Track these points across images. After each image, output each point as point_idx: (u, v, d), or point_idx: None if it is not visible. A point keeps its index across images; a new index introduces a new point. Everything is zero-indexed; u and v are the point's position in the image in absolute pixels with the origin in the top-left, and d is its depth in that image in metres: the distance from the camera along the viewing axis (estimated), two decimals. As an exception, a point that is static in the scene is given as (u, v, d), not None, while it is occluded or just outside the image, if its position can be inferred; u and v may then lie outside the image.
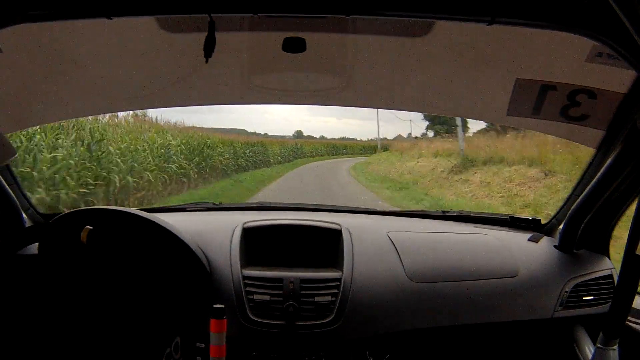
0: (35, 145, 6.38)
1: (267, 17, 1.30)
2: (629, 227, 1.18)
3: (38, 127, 6.10)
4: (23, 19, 1.13)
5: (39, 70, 1.53)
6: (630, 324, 1.56)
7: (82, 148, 7.21)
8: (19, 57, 1.42)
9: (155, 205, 2.43)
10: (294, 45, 1.45)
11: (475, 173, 10.38)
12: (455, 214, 2.03)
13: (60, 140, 6.89)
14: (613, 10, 0.81)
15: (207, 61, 1.22)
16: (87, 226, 1.48)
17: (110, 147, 7.83)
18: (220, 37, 1.22)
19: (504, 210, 7.90)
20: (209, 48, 1.22)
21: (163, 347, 1.53)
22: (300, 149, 20.93)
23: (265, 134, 18.84)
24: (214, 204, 2.10)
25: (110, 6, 1.11)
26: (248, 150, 14.93)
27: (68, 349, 1.57)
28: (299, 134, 23.00)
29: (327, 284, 1.54)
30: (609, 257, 1.72)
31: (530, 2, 1.08)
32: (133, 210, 1.59)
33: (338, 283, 1.54)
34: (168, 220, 1.58)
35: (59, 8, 1.12)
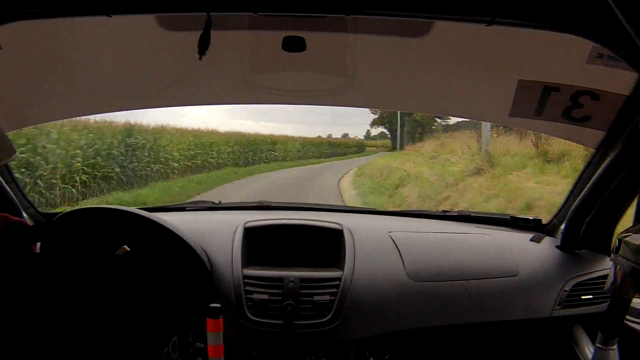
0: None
1: (266, 16, 1.30)
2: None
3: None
4: (22, 16, 1.13)
5: (39, 68, 1.53)
6: (629, 323, 1.56)
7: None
8: (18, 54, 1.42)
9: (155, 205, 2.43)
10: (294, 45, 1.45)
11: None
12: (456, 214, 2.03)
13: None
14: (612, 12, 0.80)
15: (200, 58, 1.21)
16: (125, 246, 1.49)
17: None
18: (219, 36, 1.21)
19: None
20: (203, 46, 1.21)
21: (162, 346, 1.53)
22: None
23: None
24: (214, 203, 2.10)
25: (110, 4, 1.11)
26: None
27: (68, 348, 1.57)
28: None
29: (327, 283, 1.54)
30: (610, 257, 1.71)
31: (529, 3, 1.08)
32: (134, 209, 1.60)
33: (337, 282, 1.54)
34: (169, 219, 1.58)
35: (58, 5, 1.12)
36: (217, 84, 1.72)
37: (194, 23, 1.31)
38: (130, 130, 10.18)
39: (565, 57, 1.41)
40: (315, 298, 1.51)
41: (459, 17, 1.13)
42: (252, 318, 1.49)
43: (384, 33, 1.43)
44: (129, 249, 1.49)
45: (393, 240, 1.70)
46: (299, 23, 1.38)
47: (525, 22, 1.12)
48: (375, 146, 22.50)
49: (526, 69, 1.50)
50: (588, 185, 1.57)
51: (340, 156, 20.32)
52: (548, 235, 1.84)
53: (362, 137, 23.47)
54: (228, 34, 1.41)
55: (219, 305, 1.27)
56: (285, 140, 17.63)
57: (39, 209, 1.86)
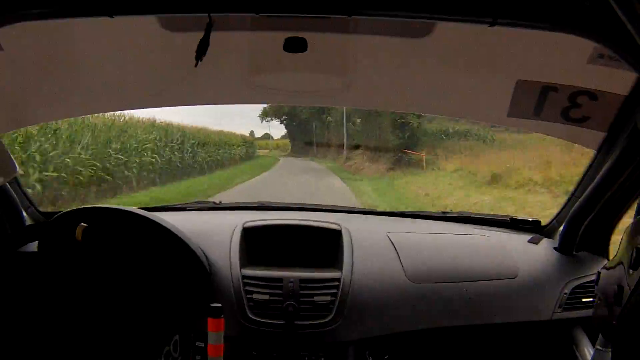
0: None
1: (268, 17, 1.30)
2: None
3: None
4: (24, 17, 1.13)
5: (40, 69, 1.53)
6: None
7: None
8: (19, 55, 1.42)
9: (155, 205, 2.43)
10: (296, 45, 1.45)
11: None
12: (455, 215, 2.03)
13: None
14: (614, 12, 0.81)
15: (196, 65, 1.21)
16: (82, 223, 1.48)
17: None
18: (221, 37, 1.21)
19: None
20: (201, 51, 1.21)
21: (162, 345, 1.53)
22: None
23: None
24: (214, 203, 2.10)
25: (112, 5, 1.11)
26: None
27: (68, 347, 1.57)
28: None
29: (327, 284, 1.54)
30: (608, 260, 1.71)
31: (531, 4, 1.08)
32: (133, 208, 1.60)
33: (337, 283, 1.54)
34: (168, 219, 1.59)
35: (60, 6, 1.11)
36: (219, 84, 1.72)
37: (195, 24, 1.31)
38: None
39: (564, 58, 1.41)
40: (316, 299, 1.51)
41: (462, 18, 1.13)
42: (254, 318, 1.49)
43: (386, 34, 1.43)
44: (85, 225, 1.49)
45: (391, 241, 1.70)
46: (301, 24, 1.38)
47: (527, 23, 1.12)
48: (267, 148, 16.11)
49: (525, 69, 1.50)
50: (589, 187, 1.57)
51: (218, 170, 11.34)
52: (546, 237, 1.84)
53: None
54: (230, 34, 1.42)
55: (220, 305, 1.28)
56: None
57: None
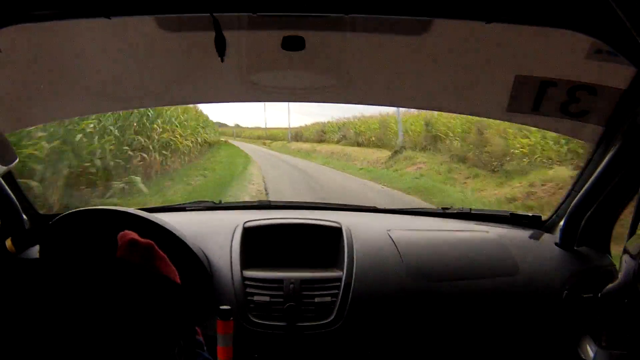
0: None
1: (266, 16, 1.30)
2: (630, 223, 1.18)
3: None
4: (22, 19, 1.13)
5: (38, 70, 1.52)
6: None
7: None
8: (18, 56, 1.42)
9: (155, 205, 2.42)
10: (293, 44, 1.45)
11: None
12: (455, 212, 2.03)
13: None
14: (611, 8, 0.80)
15: (222, 60, 1.21)
16: (8, 239, 1.50)
17: None
18: None
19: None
20: (221, 47, 1.21)
21: (168, 352, 1.53)
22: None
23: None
24: (214, 202, 2.10)
25: (109, 6, 1.11)
26: None
27: (70, 356, 1.57)
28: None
29: (328, 284, 1.54)
30: (609, 255, 1.72)
31: (528, 1, 1.08)
32: (133, 210, 1.59)
33: (338, 283, 1.54)
34: (168, 220, 1.58)
35: (58, 8, 1.12)
36: (217, 84, 1.72)
37: (193, 24, 1.31)
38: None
39: (563, 53, 1.41)
40: (317, 299, 1.51)
41: (459, 15, 1.13)
42: (255, 320, 1.49)
43: (383, 31, 1.43)
44: (11, 236, 1.49)
45: (392, 238, 1.70)
46: (298, 23, 1.38)
47: (524, 19, 1.12)
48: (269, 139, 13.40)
49: (523, 64, 1.50)
50: (589, 182, 1.57)
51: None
52: (547, 232, 1.83)
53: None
54: (228, 34, 1.42)
55: (229, 307, 1.28)
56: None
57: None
